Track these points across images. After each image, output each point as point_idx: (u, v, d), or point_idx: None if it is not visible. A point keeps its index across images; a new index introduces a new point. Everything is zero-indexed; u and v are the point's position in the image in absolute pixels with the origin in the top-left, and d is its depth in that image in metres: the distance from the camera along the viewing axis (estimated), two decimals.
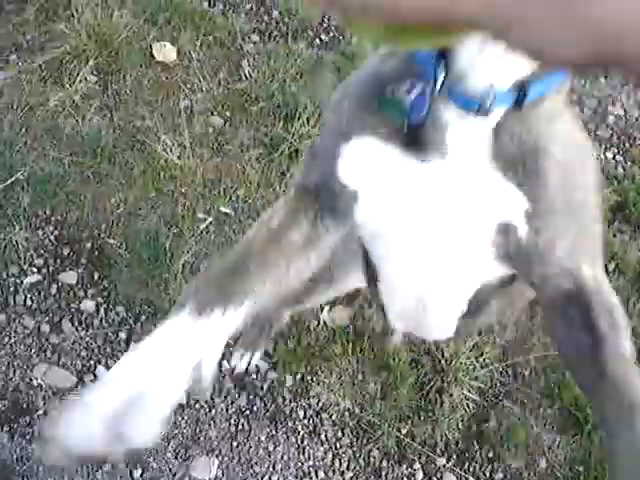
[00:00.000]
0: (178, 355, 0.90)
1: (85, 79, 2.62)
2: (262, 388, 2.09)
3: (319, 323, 2.19)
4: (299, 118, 2.61)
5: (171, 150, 2.48)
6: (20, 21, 2.78)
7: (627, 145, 2.81)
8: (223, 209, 2.41)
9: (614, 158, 2.76)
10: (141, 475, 1.89)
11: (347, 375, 2.12)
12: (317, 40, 3.00)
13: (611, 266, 2.38)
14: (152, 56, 2.75)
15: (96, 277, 2.22)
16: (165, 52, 2.76)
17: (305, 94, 2.70)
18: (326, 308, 2.20)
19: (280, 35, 2.97)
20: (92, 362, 2.06)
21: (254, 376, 2.10)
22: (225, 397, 2.05)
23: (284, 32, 2.96)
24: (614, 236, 2.49)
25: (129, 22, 2.75)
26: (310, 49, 2.93)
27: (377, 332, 2.16)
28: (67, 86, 2.59)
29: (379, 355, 2.15)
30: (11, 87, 2.61)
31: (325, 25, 3.05)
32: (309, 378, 2.11)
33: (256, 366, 2.10)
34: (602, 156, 2.76)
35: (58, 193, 2.37)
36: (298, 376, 2.11)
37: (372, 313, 2.15)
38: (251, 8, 3.03)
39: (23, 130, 2.50)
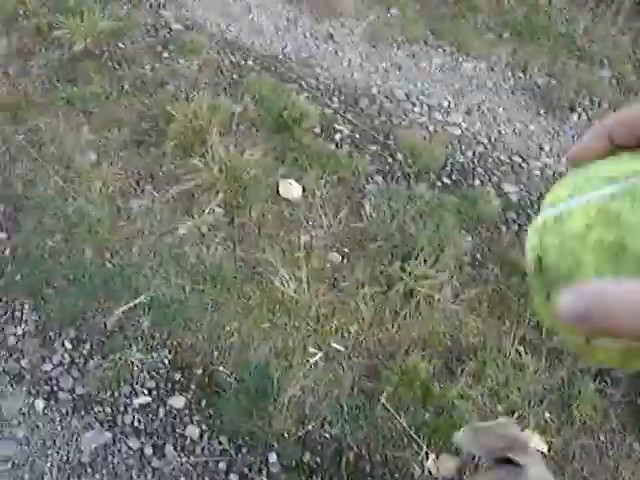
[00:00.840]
0: None
1: (213, 211, 2.75)
2: None
3: (423, 471, 2.10)
4: (416, 258, 2.62)
5: (288, 283, 2.53)
6: (158, 154, 2.98)
7: None
8: (334, 345, 2.41)
9: None
10: None
11: None
12: (439, 182, 3.04)
13: None
14: (278, 192, 2.86)
15: (203, 404, 2.24)
16: (290, 189, 2.86)
17: (424, 235, 2.71)
18: (432, 456, 2.11)
19: (403, 177, 3.03)
20: None
21: None
22: None
23: (407, 174, 3.02)
24: None
25: (259, 160, 2.89)
26: (431, 191, 2.97)
27: None
28: (196, 217, 2.73)
29: None
30: (144, 215, 2.76)
31: (448, 168, 3.10)
32: None
33: None
34: None
35: (176, 318, 2.44)
36: None
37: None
38: (376, 150, 3.13)
39: (151, 255, 2.63)
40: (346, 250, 2.70)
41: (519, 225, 2.93)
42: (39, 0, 3.76)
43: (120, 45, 3.48)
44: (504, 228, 2.91)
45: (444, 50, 3.76)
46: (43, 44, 3.48)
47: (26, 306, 2.51)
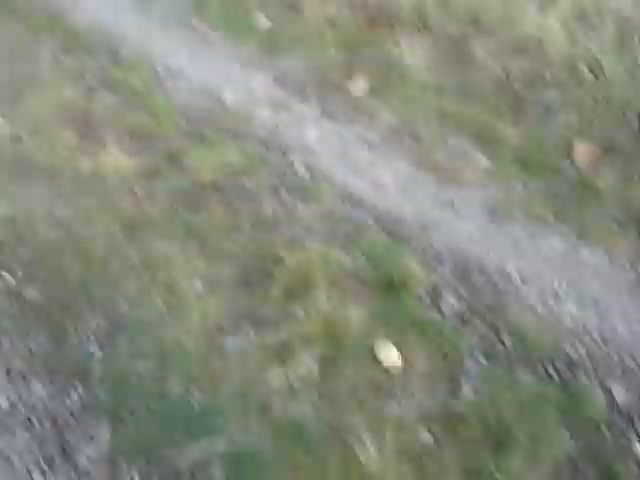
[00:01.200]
0: None
1: (306, 365, 2.68)
2: None
3: None
4: (510, 452, 2.46)
5: (370, 455, 2.40)
6: (263, 296, 2.97)
7: None
8: None
9: None
10: None
11: None
12: (543, 372, 2.88)
13: None
14: (374, 355, 2.78)
15: None
16: (388, 354, 2.78)
17: (521, 428, 2.56)
18: None
19: (506, 360, 2.89)
20: None
21: None
22: None
23: (512, 359, 2.88)
24: None
25: (361, 318, 2.84)
26: (534, 380, 2.82)
27: None
28: (288, 367, 2.67)
29: None
30: (238, 356, 2.73)
31: (554, 359, 2.95)
32: None
33: None
34: None
35: (251, 476, 2.34)
36: None
37: None
38: (482, 327, 3.01)
39: (237, 399, 2.57)
40: (437, 430, 2.56)
41: (623, 432, 2.72)
42: (174, 125, 3.94)
43: (244, 181, 3.57)
44: (607, 433, 2.71)
45: (564, 233, 3.67)
46: (172, 169, 3.62)
47: (102, 427, 2.48)
